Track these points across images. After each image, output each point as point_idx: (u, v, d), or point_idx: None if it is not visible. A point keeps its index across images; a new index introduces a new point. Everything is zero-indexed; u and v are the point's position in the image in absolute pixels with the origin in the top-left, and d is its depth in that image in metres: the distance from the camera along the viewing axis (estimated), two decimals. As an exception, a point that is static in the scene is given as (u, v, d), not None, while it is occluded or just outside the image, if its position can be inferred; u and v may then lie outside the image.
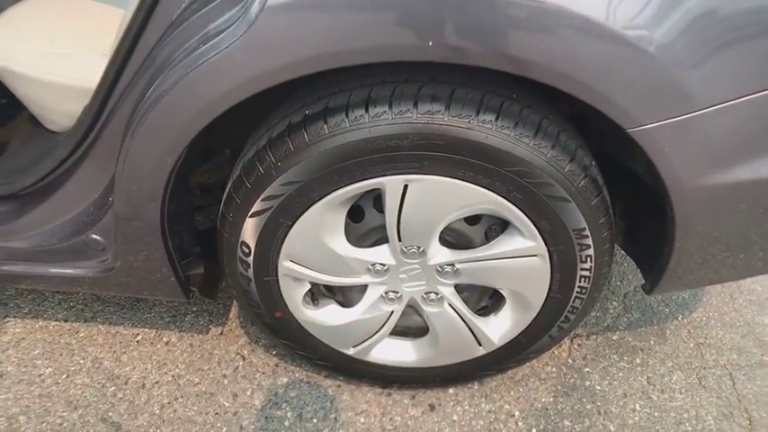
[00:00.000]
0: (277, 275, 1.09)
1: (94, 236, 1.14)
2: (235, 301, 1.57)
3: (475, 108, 0.88)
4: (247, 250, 1.05)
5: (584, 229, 0.98)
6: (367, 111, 0.89)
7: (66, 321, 1.57)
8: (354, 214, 1.07)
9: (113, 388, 1.41)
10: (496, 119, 0.89)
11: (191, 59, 0.84)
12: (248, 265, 1.07)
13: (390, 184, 0.94)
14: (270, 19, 0.78)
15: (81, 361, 1.47)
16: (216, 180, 1.27)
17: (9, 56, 1.26)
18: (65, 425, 1.35)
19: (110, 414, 1.36)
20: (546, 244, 1.01)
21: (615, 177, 1.08)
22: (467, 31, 0.77)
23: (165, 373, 1.43)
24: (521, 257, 1.03)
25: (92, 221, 1.14)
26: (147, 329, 1.53)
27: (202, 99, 0.85)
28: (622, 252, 1.54)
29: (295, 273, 1.08)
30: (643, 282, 1.18)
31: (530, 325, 1.15)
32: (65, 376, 1.45)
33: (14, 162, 1.29)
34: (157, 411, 1.35)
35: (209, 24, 0.86)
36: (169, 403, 1.37)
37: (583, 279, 1.06)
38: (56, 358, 1.48)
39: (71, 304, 1.61)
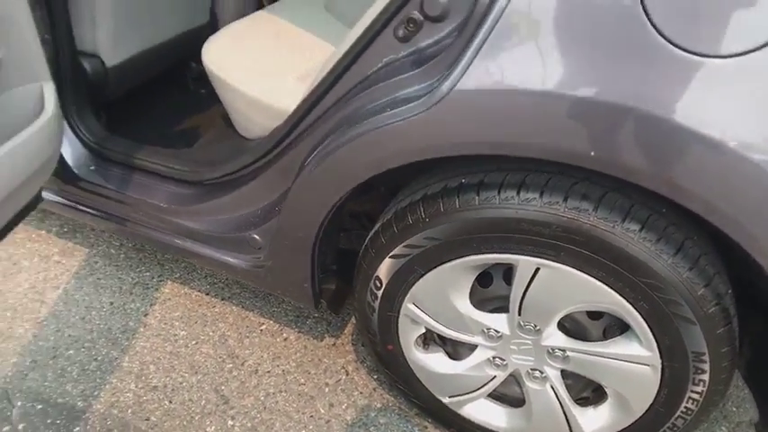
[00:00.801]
0: (399, 313, 1.19)
1: (255, 235, 1.31)
2: (352, 318, 1.70)
3: (622, 215, 0.93)
4: (379, 284, 1.16)
5: (704, 354, 0.98)
6: (518, 193, 0.96)
7: (206, 294, 1.78)
8: (483, 278, 1.15)
9: (231, 365, 1.58)
10: (641, 229, 0.93)
11: (377, 119, 0.97)
12: (376, 297, 1.18)
13: (523, 264, 1.01)
14: (457, 100, 0.89)
15: (210, 333, 1.67)
16: (366, 209, 1.40)
17: (223, 65, 1.48)
18: (183, 384, 1.54)
19: (222, 387, 1.53)
20: (661, 357, 1.02)
21: (755, 303, 1.06)
22: (632, 151, 0.82)
23: (278, 365, 1.58)
24: (633, 363, 1.05)
25: (256, 223, 1.31)
26: (271, 321, 1.70)
27: (381, 154, 0.97)
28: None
29: (415, 316, 1.17)
30: (759, 418, 1.14)
31: (625, 429, 1.15)
32: (194, 342, 1.65)
33: (206, 154, 1.51)
34: (262, 398, 1.50)
35: (400, 90, 0.98)
36: (274, 394, 1.51)
37: (691, 401, 1.05)
38: (191, 324, 1.70)
39: (214, 280, 1.83)
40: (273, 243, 1.26)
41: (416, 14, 0.99)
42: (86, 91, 1.62)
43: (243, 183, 1.33)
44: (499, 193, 0.98)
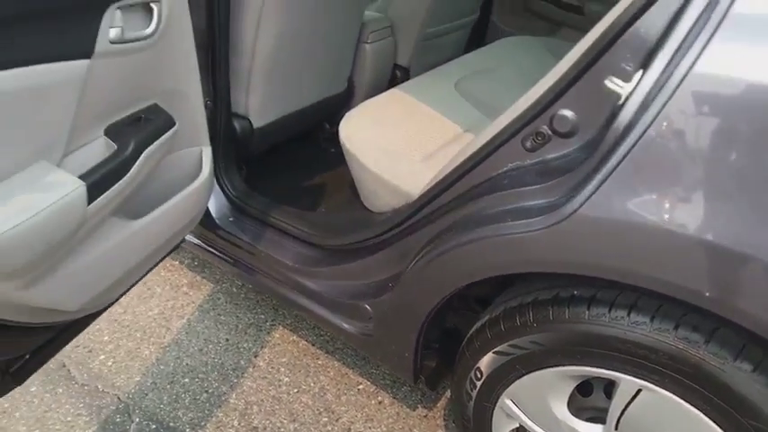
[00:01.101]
0: (495, 405, 1.23)
1: (367, 306, 1.41)
2: (446, 392, 1.74)
3: (733, 353, 0.92)
4: (479, 375, 1.21)
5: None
6: (629, 315, 0.99)
7: (312, 345, 1.90)
8: (583, 385, 1.16)
9: (326, 419, 1.68)
10: (753, 370, 0.91)
11: (498, 227, 1.03)
12: (474, 387, 1.23)
13: (626, 383, 1.02)
14: (578, 223, 0.94)
15: (311, 384, 1.78)
16: (474, 294, 1.45)
17: (356, 142, 1.62)
18: (281, 430, 1.65)
19: (316, 439, 1.62)
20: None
21: None
22: (749, 300, 0.83)
23: (369, 428, 1.65)
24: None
25: (370, 294, 1.40)
26: (369, 382, 1.78)
27: (498, 260, 1.04)
28: None
29: (511, 411, 1.21)
30: None
31: None
32: (295, 390, 1.76)
33: (332, 220, 1.64)
34: (351, 456, 1.58)
35: (522, 201, 1.05)
36: (363, 455, 1.59)
37: None
38: (295, 372, 1.81)
39: (321, 333, 1.94)
40: (383, 317, 1.34)
41: (545, 129, 1.05)
42: (234, 148, 1.82)
43: (362, 255, 1.43)
44: (610, 311, 1.00)
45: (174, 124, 1.20)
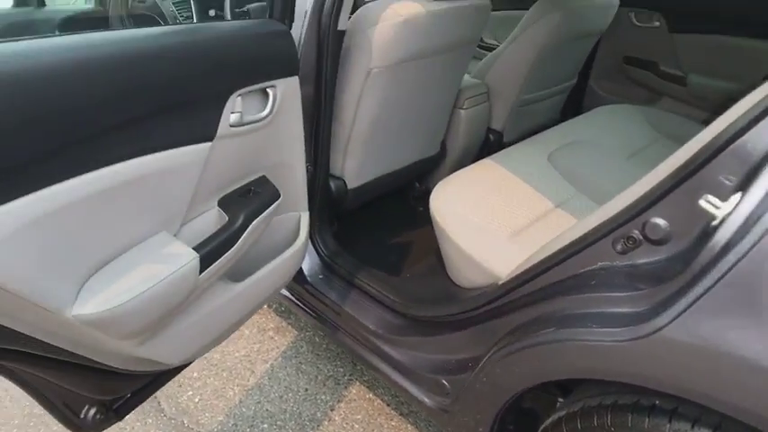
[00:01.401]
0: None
1: (445, 382, 1.43)
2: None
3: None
4: (553, 469, 1.19)
5: None
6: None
7: (387, 405, 1.93)
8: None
9: (396, 483, 1.69)
10: None
11: (581, 331, 1.04)
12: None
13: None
14: (664, 343, 0.92)
15: (384, 444, 1.80)
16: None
17: (446, 216, 1.66)
18: (352, 487, 1.68)
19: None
20: None
21: None
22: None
23: (438, 499, 1.65)
24: None
25: (448, 370, 1.42)
26: (439, 451, 1.79)
27: (579, 365, 1.04)
28: None
29: None
30: None
31: None
32: (368, 449, 1.79)
33: (416, 289, 1.68)
34: None
35: (609, 307, 1.05)
36: None
37: None
38: (368, 431, 1.85)
39: (396, 394, 1.97)
40: (461, 396, 1.36)
41: (637, 233, 1.05)
42: (328, 207, 1.91)
43: (444, 330, 1.46)
44: (692, 427, 0.97)
45: (279, 196, 1.29)
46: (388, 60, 1.66)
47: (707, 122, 2.55)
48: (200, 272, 1.05)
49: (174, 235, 1.08)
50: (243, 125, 1.16)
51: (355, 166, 1.92)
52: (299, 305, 1.83)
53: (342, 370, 2.07)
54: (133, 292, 0.94)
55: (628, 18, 2.72)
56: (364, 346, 1.63)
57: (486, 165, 1.91)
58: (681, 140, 2.41)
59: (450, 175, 1.82)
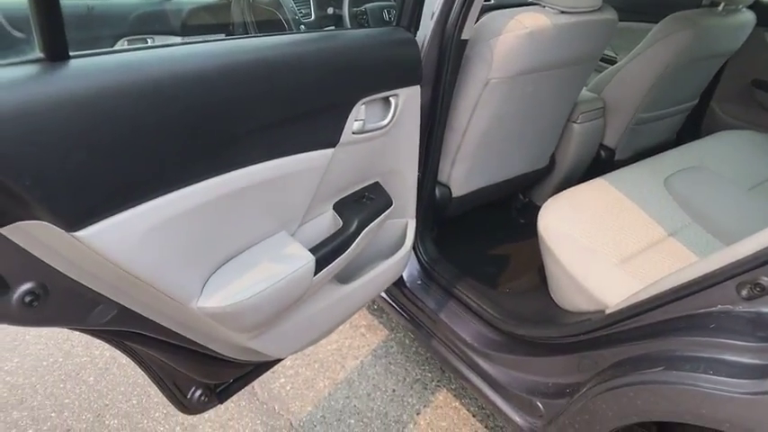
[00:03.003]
0: None
1: (539, 404, 1.40)
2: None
3: None
4: None
5: None
6: None
7: (473, 416, 1.92)
8: None
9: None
10: None
11: (696, 377, 0.98)
12: None
13: None
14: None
15: (467, 456, 1.80)
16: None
17: (553, 235, 1.62)
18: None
19: None
20: None
21: None
22: None
23: None
24: None
25: (544, 393, 1.40)
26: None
27: (689, 410, 0.99)
28: None
29: None
30: None
31: None
32: (451, 459, 1.79)
33: (516, 305, 1.65)
34: None
35: (726, 354, 0.99)
36: None
37: None
38: (453, 440, 1.85)
39: (482, 406, 1.96)
40: (556, 420, 1.33)
41: (766, 281, 0.98)
42: (432, 213, 1.92)
43: (543, 352, 1.43)
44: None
45: (392, 204, 1.31)
46: (508, 72, 1.64)
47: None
48: (315, 274, 1.09)
49: (292, 235, 1.13)
50: (364, 132, 1.19)
51: (462, 174, 1.92)
52: (394, 307, 1.86)
53: (430, 375, 2.08)
54: (254, 289, 0.99)
55: (762, 38, 2.52)
56: (458, 358, 1.63)
57: (598, 184, 1.85)
58: (815, 173, 2.23)
59: (560, 193, 1.78)
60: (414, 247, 1.83)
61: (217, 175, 0.94)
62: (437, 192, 1.91)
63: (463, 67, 1.63)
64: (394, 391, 2.01)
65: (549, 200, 1.73)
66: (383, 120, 1.23)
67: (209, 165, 0.93)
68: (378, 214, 1.26)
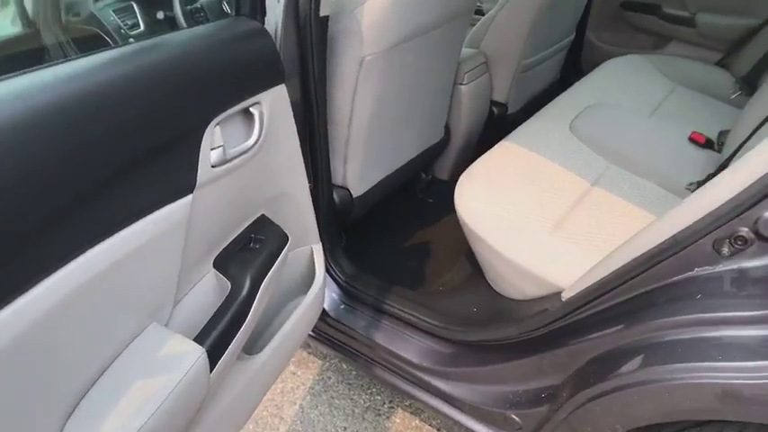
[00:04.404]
0: None
1: (514, 415, 1.20)
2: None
3: None
4: None
5: None
6: None
7: (438, 430, 1.72)
8: None
9: None
10: None
11: (701, 366, 0.80)
12: None
13: None
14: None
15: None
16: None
17: (474, 216, 1.41)
18: None
19: None
20: None
21: None
22: None
23: None
24: None
25: (517, 404, 1.20)
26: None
27: (708, 407, 0.81)
28: None
29: None
30: None
31: None
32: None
33: (458, 306, 1.44)
34: None
35: (728, 329, 0.82)
36: None
37: None
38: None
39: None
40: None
41: (746, 232, 0.83)
42: (336, 222, 1.66)
43: (504, 357, 1.23)
44: None
45: (287, 238, 1.04)
46: (383, 44, 1.40)
47: (722, 64, 2.35)
48: (211, 370, 0.80)
49: (166, 325, 0.83)
50: (227, 162, 0.91)
51: (357, 170, 1.67)
52: (322, 341, 1.59)
53: (380, 398, 1.84)
54: (138, 420, 0.69)
55: (622, -42, 2.46)
56: (409, 381, 1.40)
57: (505, 148, 1.67)
58: (699, 87, 2.20)
59: (470, 168, 1.58)
60: (327, 270, 1.57)
61: (33, 285, 0.63)
62: (336, 197, 1.65)
63: (331, 50, 1.37)
64: (345, 429, 1.76)
65: (461, 179, 1.53)
66: (248, 139, 0.95)
67: (20, 275, 0.61)
68: (273, 258, 0.98)
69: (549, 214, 1.41)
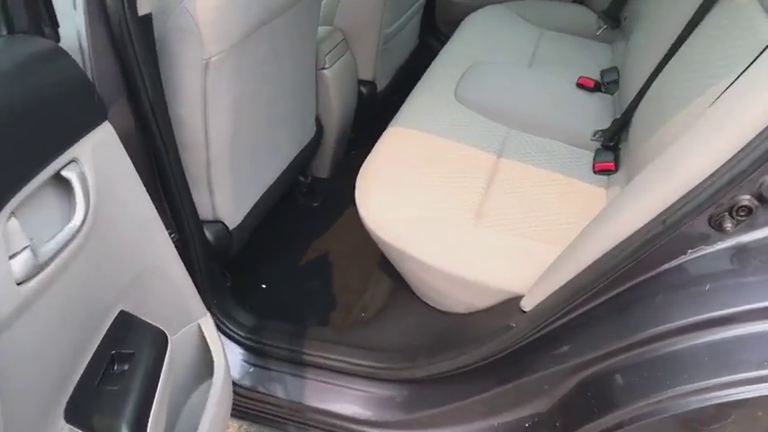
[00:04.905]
0: None
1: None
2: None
3: None
4: None
5: None
6: None
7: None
8: None
9: None
10: None
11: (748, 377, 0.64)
12: None
13: None
14: None
15: None
16: None
17: (384, 224, 1.18)
18: None
19: None
20: None
21: None
22: None
23: None
24: None
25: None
26: None
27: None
28: None
29: None
30: None
31: None
32: None
33: (390, 336, 1.20)
34: None
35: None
36: None
37: None
38: None
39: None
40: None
41: (749, 200, 0.67)
42: (217, 266, 1.35)
43: (464, 392, 1.02)
44: None
45: (165, 337, 0.73)
46: (228, 40, 1.10)
47: (581, 1, 2.27)
48: None
49: None
50: (44, 267, 0.58)
51: (228, 197, 1.36)
52: (237, 417, 1.29)
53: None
54: None
55: None
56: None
57: (395, 136, 1.44)
58: (564, 28, 2.11)
59: (364, 168, 1.33)
60: (221, 330, 1.25)
61: None
62: (209, 236, 1.33)
63: (163, 57, 1.04)
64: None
65: (358, 185, 1.28)
66: (71, 219, 0.62)
67: None
68: (154, 377, 0.67)
69: (466, 203, 1.21)
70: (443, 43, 1.97)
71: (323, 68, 1.71)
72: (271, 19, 1.22)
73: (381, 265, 1.45)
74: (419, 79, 1.72)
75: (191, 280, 0.93)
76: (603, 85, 1.74)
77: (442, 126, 1.46)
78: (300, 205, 1.94)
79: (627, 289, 0.81)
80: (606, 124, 1.55)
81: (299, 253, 1.70)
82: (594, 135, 1.50)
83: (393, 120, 1.50)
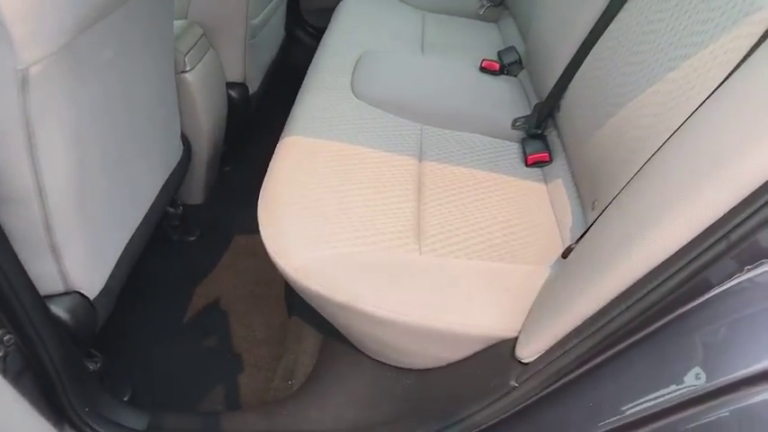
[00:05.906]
0: None
1: None
2: None
3: None
4: None
5: None
6: None
7: None
8: None
9: None
10: None
11: None
12: None
13: None
14: None
15: None
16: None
17: (309, 268, 0.91)
18: None
19: None
20: None
21: None
22: None
23: None
24: None
25: None
26: None
27: None
28: None
29: None
30: None
31: None
32: None
33: (357, 410, 0.92)
34: None
35: None
36: None
37: None
38: None
39: None
40: None
41: None
42: (80, 353, 0.99)
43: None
44: None
45: None
46: (52, 40, 0.75)
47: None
48: None
49: None
50: None
51: (82, 259, 1.00)
52: None
53: None
54: None
55: None
56: None
57: (293, 147, 1.17)
58: (444, 9, 1.95)
59: (264, 199, 1.05)
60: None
61: None
62: (63, 314, 0.98)
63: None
64: None
65: (263, 225, 0.99)
66: None
67: None
68: None
69: (401, 224, 0.98)
70: (311, 34, 1.71)
71: (183, 72, 1.37)
72: (109, 11, 0.88)
73: (292, 305, 1.17)
74: (295, 77, 1.45)
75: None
76: (505, 67, 1.59)
77: (347, 129, 1.21)
78: (174, 243, 1.59)
79: (674, 320, 0.61)
80: (521, 110, 1.39)
81: (182, 307, 1.36)
82: (516, 123, 1.33)
83: (286, 127, 1.23)
